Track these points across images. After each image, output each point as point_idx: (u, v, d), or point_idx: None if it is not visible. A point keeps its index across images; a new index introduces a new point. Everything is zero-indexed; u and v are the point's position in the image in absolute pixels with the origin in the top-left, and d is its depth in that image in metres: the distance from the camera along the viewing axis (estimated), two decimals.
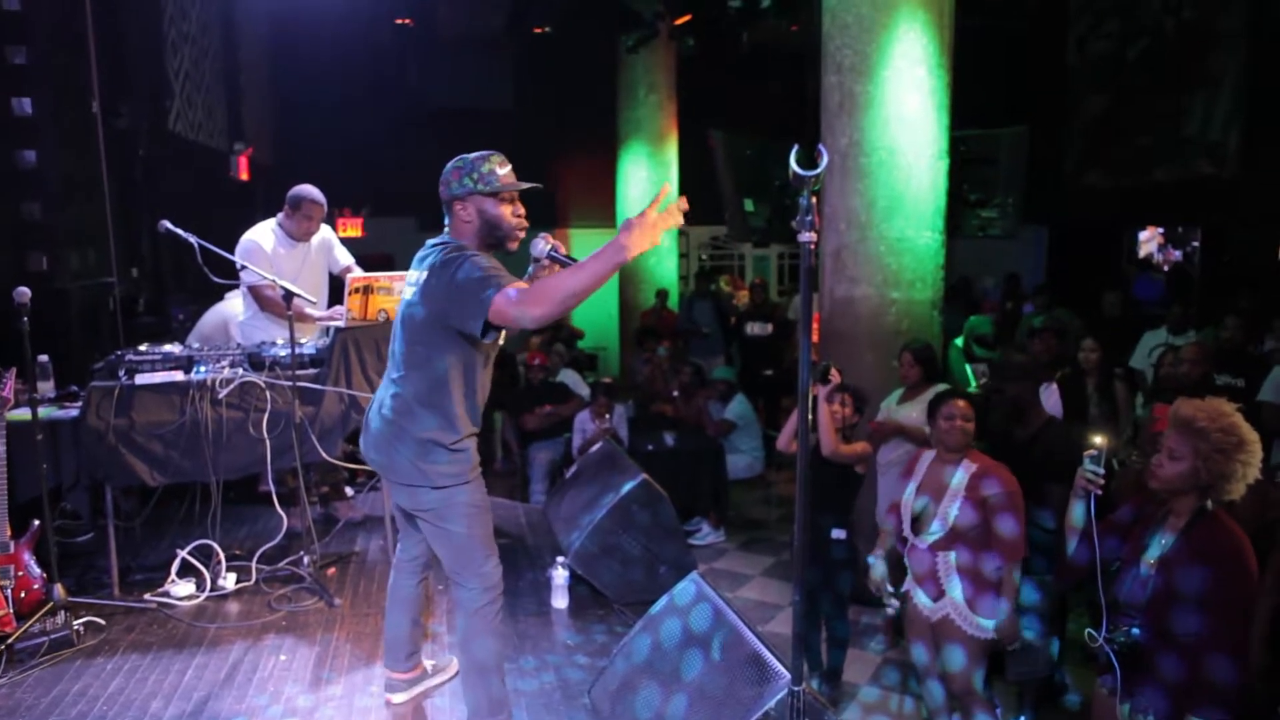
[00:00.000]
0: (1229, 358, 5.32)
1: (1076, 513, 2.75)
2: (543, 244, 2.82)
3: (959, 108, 5.40)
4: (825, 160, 1.40)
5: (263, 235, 4.61)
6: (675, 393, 7.30)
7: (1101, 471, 2.63)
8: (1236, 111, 9.32)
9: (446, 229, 2.79)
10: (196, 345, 4.54)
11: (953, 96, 5.31)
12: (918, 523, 3.41)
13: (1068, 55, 11.42)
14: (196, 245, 4.16)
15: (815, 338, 6.18)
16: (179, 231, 4.14)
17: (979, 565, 3.28)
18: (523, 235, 2.80)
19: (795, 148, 1.40)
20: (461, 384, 2.73)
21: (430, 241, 2.78)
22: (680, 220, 2.41)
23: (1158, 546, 2.61)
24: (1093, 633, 2.61)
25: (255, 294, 4.66)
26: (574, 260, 2.76)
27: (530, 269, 2.93)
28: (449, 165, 2.76)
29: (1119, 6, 10.70)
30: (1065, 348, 5.12)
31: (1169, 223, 12.28)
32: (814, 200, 1.41)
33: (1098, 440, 2.64)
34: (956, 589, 3.29)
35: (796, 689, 1.56)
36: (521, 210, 2.80)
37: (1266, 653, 3.02)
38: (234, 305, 4.97)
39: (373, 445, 2.84)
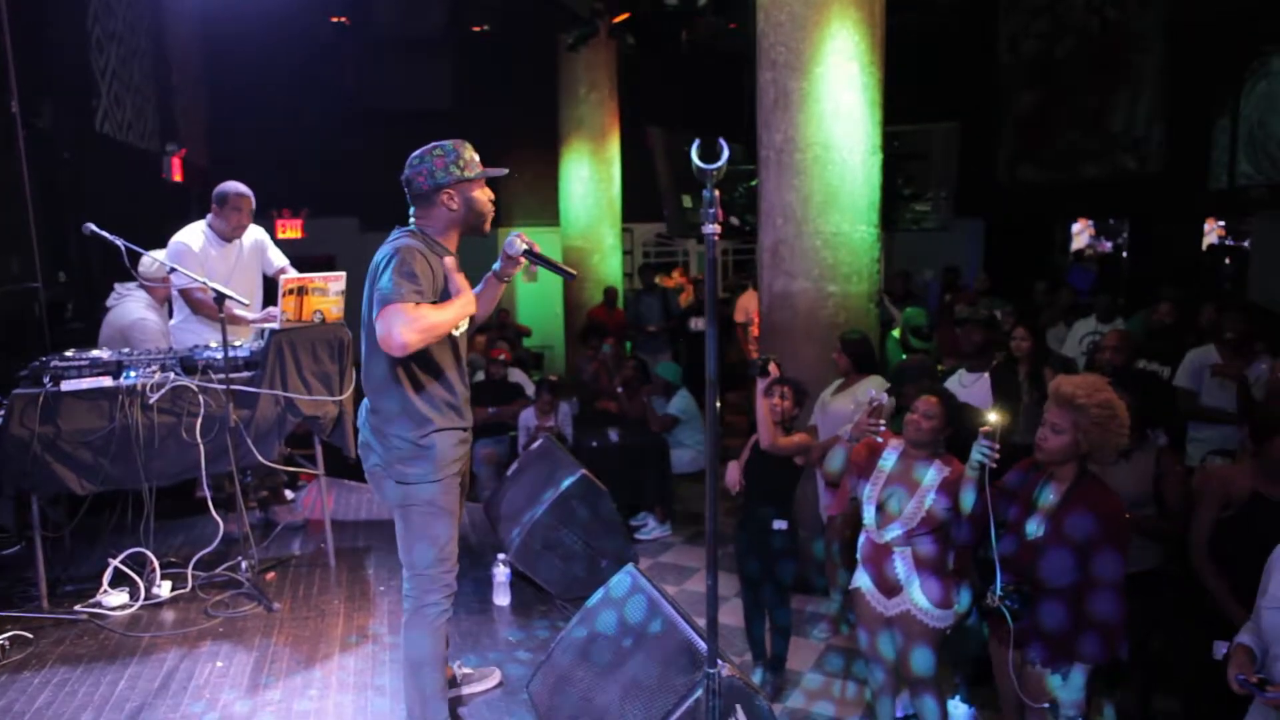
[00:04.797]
0: (1160, 343, 5.50)
1: (966, 495, 3.01)
2: (519, 243, 2.85)
3: (893, 104, 5.51)
4: (726, 154, 1.43)
5: (192, 236, 4.53)
6: (619, 389, 7.33)
7: (996, 446, 2.85)
8: (1158, 109, 9.65)
9: (413, 220, 2.78)
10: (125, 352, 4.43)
11: (886, 93, 5.42)
12: (880, 515, 3.36)
13: (1000, 53, 11.72)
14: (123, 248, 4.07)
15: (755, 331, 6.27)
16: (104, 234, 4.05)
17: (937, 559, 3.29)
18: (492, 219, 2.85)
19: (696, 142, 1.43)
20: (414, 376, 2.71)
21: (392, 232, 2.78)
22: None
23: (1043, 508, 2.87)
24: (991, 590, 2.86)
25: (186, 297, 4.59)
26: (554, 261, 2.89)
27: (498, 264, 2.93)
28: (425, 155, 2.73)
29: (1047, 6, 11.01)
30: (994, 337, 5.25)
31: (1098, 215, 12.67)
32: (717, 193, 1.45)
33: (992, 418, 2.87)
34: (916, 586, 3.28)
35: (712, 670, 1.59)
36: (492, 195, 2.84)
37: (1209, 562, 3.27)
38: (126, 310, 4.77)
39: (359, 442, 2.87)
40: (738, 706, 2.14)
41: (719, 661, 1.84)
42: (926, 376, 4.22)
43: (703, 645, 2.46)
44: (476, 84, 12.08)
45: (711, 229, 1.45)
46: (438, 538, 2.77)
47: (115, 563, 4.02)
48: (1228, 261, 10.68)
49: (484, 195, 2.80)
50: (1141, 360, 5.24)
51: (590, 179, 10.62)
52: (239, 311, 4.24)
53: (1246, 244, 10.92)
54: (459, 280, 2.70)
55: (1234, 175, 8.32)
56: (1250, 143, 8.12)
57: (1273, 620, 2.59)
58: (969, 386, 4.84)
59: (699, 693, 2.25)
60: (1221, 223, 11.74)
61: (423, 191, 2.73)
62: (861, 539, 3.50)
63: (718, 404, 1.52)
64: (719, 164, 1.44)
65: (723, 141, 1.42)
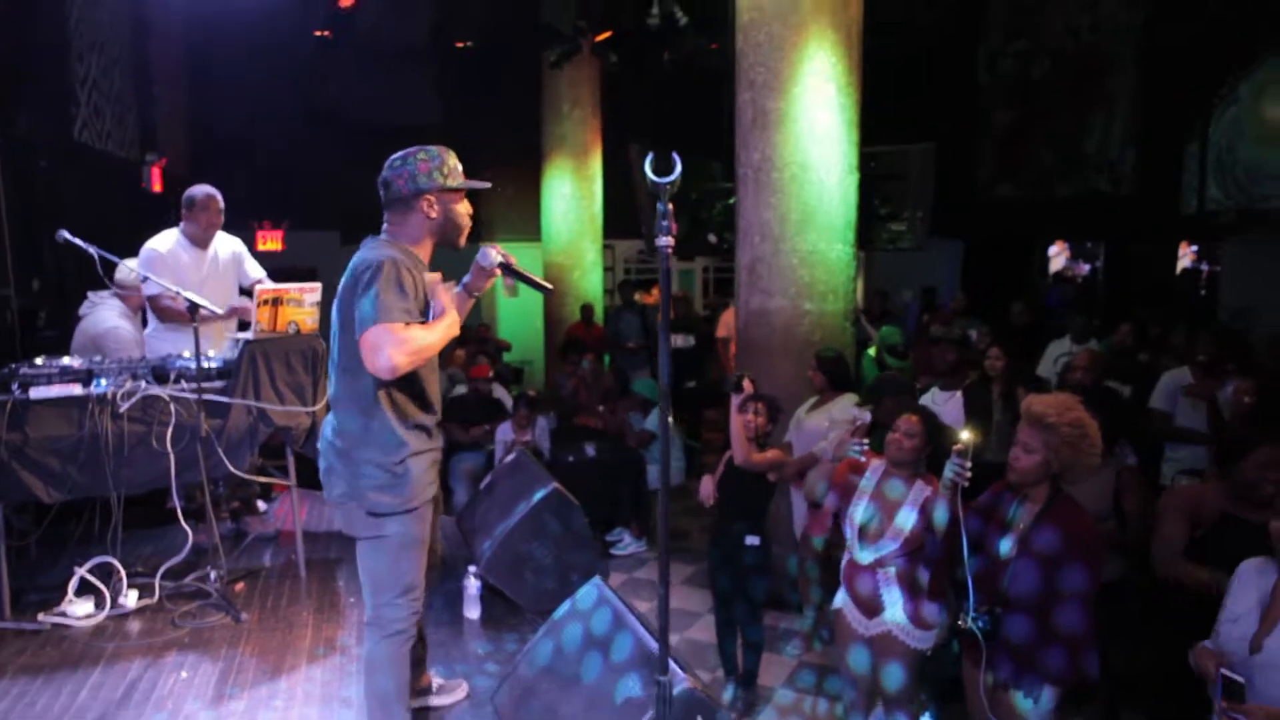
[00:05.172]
0: (1118, 363, 5.58)
1: (939, 514, 2.97)
2: (494, 254, 2.76)
3: (871, 125, 5.56)
4: (679, 168, 1.45)
5: (161, 241, 4.54)
6: (600, 408, 7.34)
7: (968, 464, 2.82)
8: (1131, 132, 9.81)
9: (386, 228, 2.66)
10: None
11: (864, 114, 5.48)
12: (861, 535, 3.32)
13: (978, 73, 11.88)
14: (96, 256, 4.06)
15: (733, 348, 6.30)
16: (77, 241, 4.04)
17: (918, 579, 3.24)
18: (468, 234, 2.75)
19: (650, 155, 1.45)
20: (392, 397, 2.58)
21: (365, 242, 2.66)
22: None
23: (1016, 527, 2.86)
24: (964, 611, 2.84)
25: (153, 304, 4.58)
26: (529, 275, 2.78)
27: (467, 277, 2.85)
28: (407, 157, 2.61)
29: (1025, 27, 11.18)
30: (967, 356, 5.31)
31: (1073, 237, 12.81)
32: (670, 207, 1.46)
33: (965, 436, 2.84)
34: (897, 606, 3.24)
35: (662, 678, 1.59)
36: (470, 208, 2.75)
37: (1179, 561, 3.27)
38: (100, 318, 4.74)
39: (321, 470, 2.73)
40: (699, 718, 2.14)
41: (677, 673, 1.85)
42: (905, 392, 4.24)
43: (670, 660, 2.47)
44: (459, 100, 12.11)
45: (665, 241, 1.47)
46: (407, 570, 2.67)
47: (81, 572, 3.98)
48: (1203, 293, 10.84)
49: (464, 208, 2.71)
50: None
51: (572, 195, 10.65)
52: (205, 311, 4.20)
53: (1220, 269, 11.11)
54: (444, 299, 2.59)
55: (1203, 200, 8.47)
56: (1219, 168, 8.27)
57: (1230, 633, 2.63)
58: (942, 405, 4.88)
59: None
60: (1195, 246, 11.91)
61: (401, 195, 2.60)
62: (844, 559, 3.46)
63: (670, 419, 1.53)
64: (672, 177, 1.45)
65: (675, 156, 1.44)
